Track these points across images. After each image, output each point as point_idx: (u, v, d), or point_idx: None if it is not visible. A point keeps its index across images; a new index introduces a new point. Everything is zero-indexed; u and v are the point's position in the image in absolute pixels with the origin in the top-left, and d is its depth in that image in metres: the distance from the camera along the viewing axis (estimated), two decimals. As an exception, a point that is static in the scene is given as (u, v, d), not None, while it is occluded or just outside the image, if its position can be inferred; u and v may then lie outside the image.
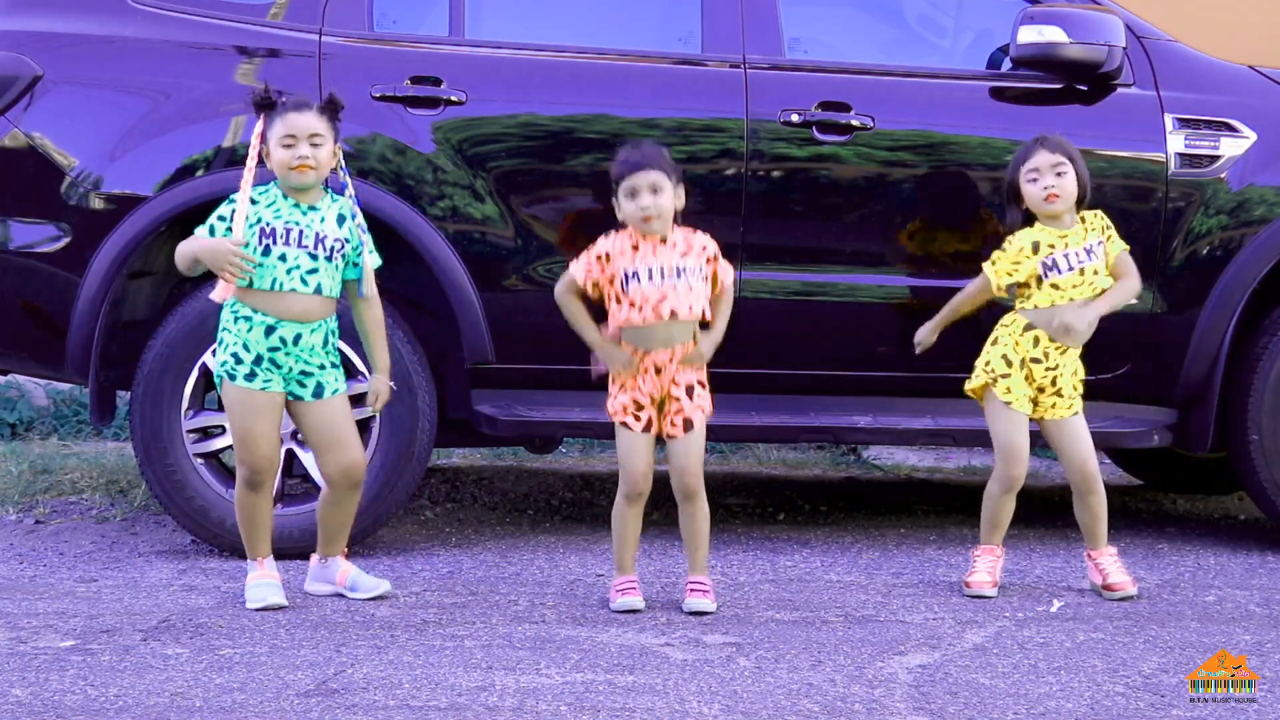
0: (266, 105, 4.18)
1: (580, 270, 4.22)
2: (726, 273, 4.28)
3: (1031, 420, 4.50)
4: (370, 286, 4.25)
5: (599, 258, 4.21)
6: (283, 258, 4.13)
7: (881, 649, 3.92)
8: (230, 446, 4.81)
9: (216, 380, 4.26)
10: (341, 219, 4.22)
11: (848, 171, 4.97)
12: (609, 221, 4.73)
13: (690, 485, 4.23)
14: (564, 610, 4.28)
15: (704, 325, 4.25)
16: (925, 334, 4.65)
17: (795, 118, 4.91)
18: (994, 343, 4.50)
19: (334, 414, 4.24)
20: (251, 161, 4.18)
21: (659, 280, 4.14)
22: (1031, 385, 4.46)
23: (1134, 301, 4.58)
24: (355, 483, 4.30)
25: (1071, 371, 4.46)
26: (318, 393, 4.22)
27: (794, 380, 5.04)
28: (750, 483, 6.45)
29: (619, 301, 4.18)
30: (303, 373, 4.20)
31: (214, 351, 4.29)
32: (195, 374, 4.74)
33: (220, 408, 4.94)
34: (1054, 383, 4.45)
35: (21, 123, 4.78)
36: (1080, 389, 4.50)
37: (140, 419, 4.74)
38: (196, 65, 4.82)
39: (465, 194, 4.83)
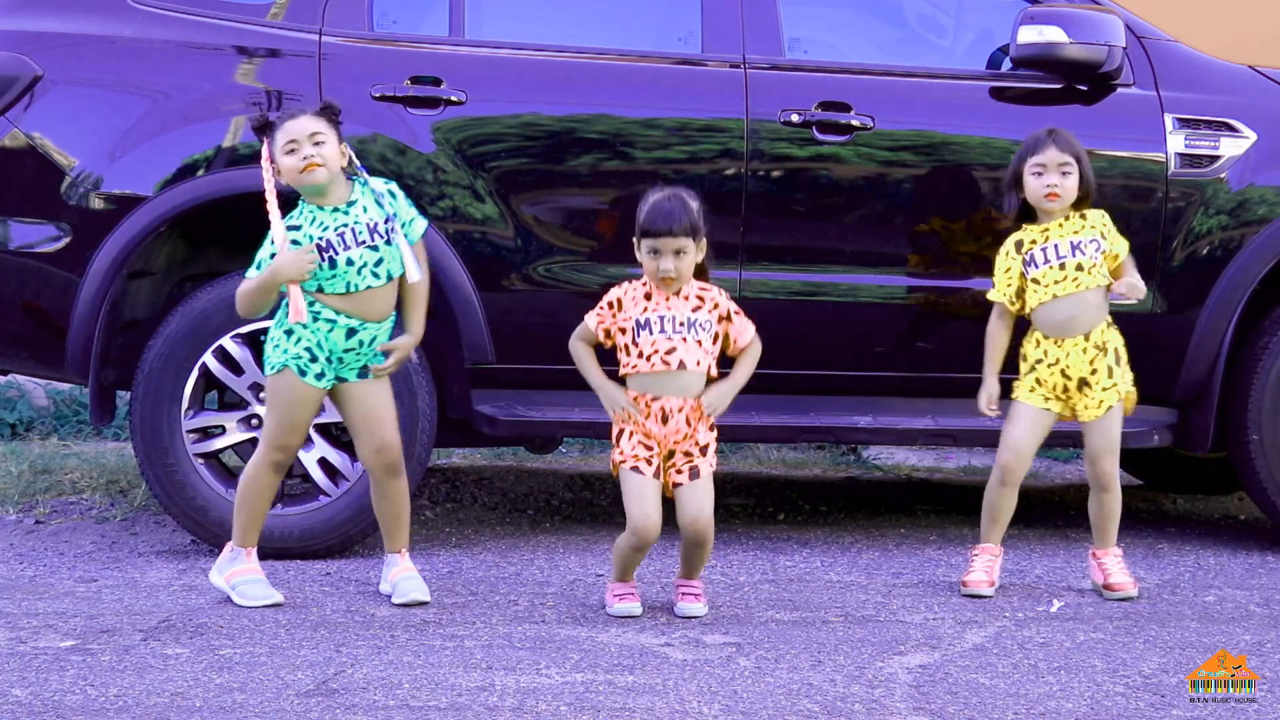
0: (265, 126, 4.17)
1: (594, 318, 4.19)
2: (744, 331, 4.21)
3: (1066, 420, 4.52)
4: (422, 268, 4.21)
5: (610, 304, 4.17)
6: (349, 261, 4.13)
7: (881, 649, 3.92)
8: (231, 447, 4.83)
9: (271, 367, 4.21)
10: (378, 199, 4.21)
11: (848, 171, 4.97)
12: (609, 221, 4.75)
13: (702, 533, 4.16)
14: (564, 610, 4.28)
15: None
16: (988, 396, 4.53)
17: (795, 118, 4.91)
18: None
19: (372, 393, 4.25)
20: (269, 186, 4.16)
21: (669, 331, 4.11)
22: (1046, 387, 4.46)
23: (1135, 300, 4.54)
24: (388, 465, 4.27)
25: (1089, 361, 4.43)
26: (363, 373, 4.23)
27: (794, 380, 5.03)
28: (750, 483, 6.44)
29: (628, 352, 4.15)
30: (359, 361, 4.23)
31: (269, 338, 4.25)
32: (195, 374, 4.74)
33: (220, 408, 4.96)
34: (1065, 375, 4.44)
35: (21, 123, 4.78)
36: (1113, 388, 4.47)
37: (140, 419, 4.74)
38: (196, 65, 4.82)
39: (465, 194, 4.83)
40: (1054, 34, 4.85)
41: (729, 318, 4.19)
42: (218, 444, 4.81)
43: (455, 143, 4.82)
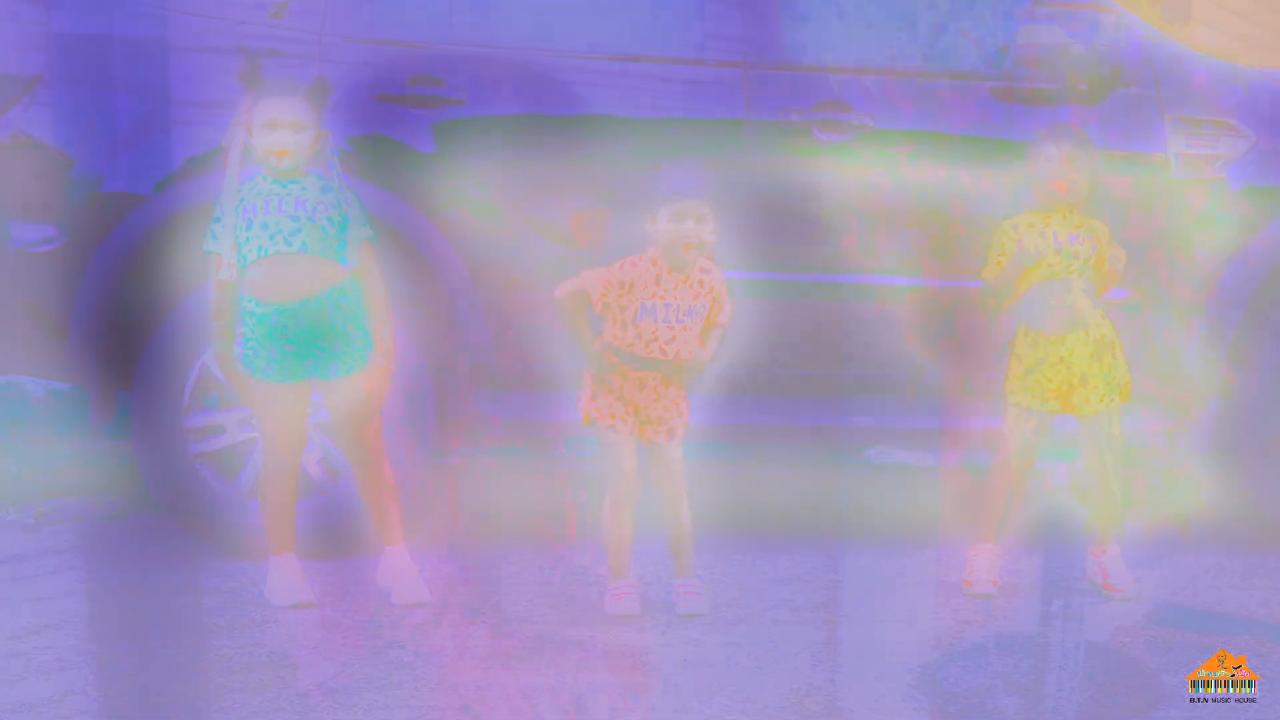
0: (254, 81, 4.22)
1: (597, 289, 4.20)
2: (725, 309, 4.29)
3: (1063, 415, 4.53)
4: (356, 257, 4.23)
5: (622, 285, 4.19)
6: (264, 225, 4.17)
7: (882, 649, 3.92)
8: (231, 447, 4.83)
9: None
10: (326, 189, 4.24)
11: (848, 171, 4.97)
12: (609, 221, 4.74)
13: (677, 488, 4.27)
14: (564, 610, 4.28)
15: None
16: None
17: (795, 118, 4.91)
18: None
19: (339, 392, 4.25)
20: (236, 142, 4.22)
21: (671, 321, 4.18)
22: (1047, 385, 4.46)
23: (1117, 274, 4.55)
24: (361, 456, 4.30)
25: (1090, 354, 4.43)
26: (332, 373, 4.24)
27: (794, 380, 5.03)
28: (750, 483, 6.43)
29: (624, 327, 4.19)
30: (316, 352, 4.21)
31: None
32: (195, 374, 4.74)
33: (220, 408, 4.95)
34: (1069, 370, 4.45)
35: (21, 123, 4.78)
36: (1108, 387, 4.47)
37: (140, 419, 4.74)
38: (196, 65, 4.83)
39: (465, 194, 4.83)
40: (1054, 34, 4.85)
41: (718, 298, 4.26)
42: (218, 444, 4.81)
43: (455, 143, 4.82)
